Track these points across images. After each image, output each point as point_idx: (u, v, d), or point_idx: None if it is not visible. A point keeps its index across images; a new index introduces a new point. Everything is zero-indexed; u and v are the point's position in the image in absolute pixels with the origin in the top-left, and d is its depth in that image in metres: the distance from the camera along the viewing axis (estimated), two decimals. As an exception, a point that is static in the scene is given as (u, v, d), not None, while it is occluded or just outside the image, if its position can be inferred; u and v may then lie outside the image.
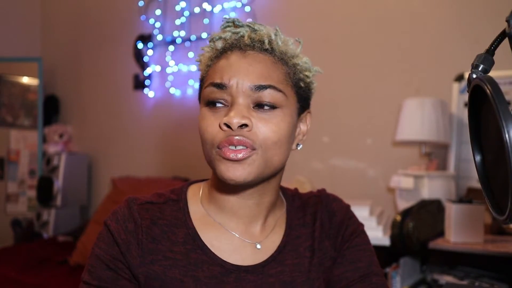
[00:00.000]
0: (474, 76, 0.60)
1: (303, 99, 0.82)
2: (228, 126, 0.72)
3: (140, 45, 3.23)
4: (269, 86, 0.75)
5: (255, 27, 0.78)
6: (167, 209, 0.81)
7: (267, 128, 0.74)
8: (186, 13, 3.02)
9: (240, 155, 0.72)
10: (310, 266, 0.83)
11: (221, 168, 0.73)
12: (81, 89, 3.66)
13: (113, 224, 0.78)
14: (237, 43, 0.78)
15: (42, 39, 3.89)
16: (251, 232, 0.82)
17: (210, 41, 0.81)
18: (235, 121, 0.71)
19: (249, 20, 0.83)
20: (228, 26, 0.80)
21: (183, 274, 0.77)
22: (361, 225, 0.89)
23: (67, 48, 3.75)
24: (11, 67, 3.59)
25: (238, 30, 0.78)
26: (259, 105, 0.75)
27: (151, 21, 3.17)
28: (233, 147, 0.73)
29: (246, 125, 0.72)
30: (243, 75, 0.75)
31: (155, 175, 3.10)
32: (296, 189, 0.94)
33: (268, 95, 0.75)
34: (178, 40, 3.04)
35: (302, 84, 0.81)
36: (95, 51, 3.57)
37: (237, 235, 0.81)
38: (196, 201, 0.84)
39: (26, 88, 3.65)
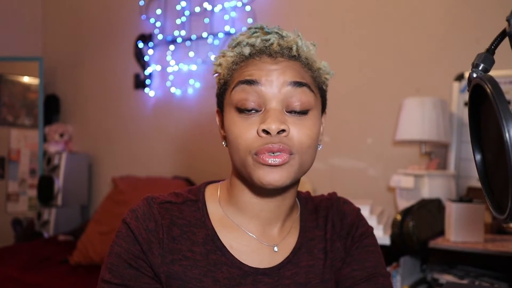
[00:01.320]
0: (475, 75, 0.60)
1: (324, 100, 0.85)
2: (267, 132, 0.73)
3: (140, 45, 3.23)
4: (305, 84, 0.76)
5: (283, 34, 0.79)
6: (186, 209, 0.82)
7: (301, 133, 0.75)
8: (187, 12, 3.02)
9: (278, 160, 0.73)
10: (324, 267, 0.84)
11: (259, 174, 0.74)
12: (81, 89, 3.66)
13: (133, 222, 0.78)
14: (265, 49, 0.78)
15: (43, 38, 3.89)
16: (269, 234, 0.84)
17: (235, 46, 0.80)
18: (274, 127, 0.72)
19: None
20: (256, 32, 0.80)
21: (203, 275, 0.77)
22: (370, 228, 0.91)
23: (68, 47, 3.75)
24: (12, 67, 3.60)
25: (267, 37, 0.78)
26: (292, 110, 0.76)
27: (152, 20, 3.17)
28: (271, 153, 0.73)
29: (283, 130, 0.73)
30: (276, 75, 0.75)
31: (155, 175, 3.11)
32: (308, 192, 0.96)
33: (302, 94, 0.76)
34: (179, 40, 3.04)
35: (324, 87, 0.84)
36: (96, 51, 3.57)
37: (255, 237, 0.82)
38: (215, 202, 0.85)
39: (27, 87, 3.65)
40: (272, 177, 0.73)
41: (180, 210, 0.81)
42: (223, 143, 0.84)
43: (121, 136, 3.42)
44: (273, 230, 0.84)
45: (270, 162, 0.73)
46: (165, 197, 0.82)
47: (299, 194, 0.92)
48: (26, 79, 3.65)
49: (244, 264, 0.79)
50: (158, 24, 3.15)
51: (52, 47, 3.84)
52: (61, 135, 3.47)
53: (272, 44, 0.78)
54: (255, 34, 0.80)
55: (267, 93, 0.75)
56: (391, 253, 1.73)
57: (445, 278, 1.63)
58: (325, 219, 0.89)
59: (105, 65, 3.51)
